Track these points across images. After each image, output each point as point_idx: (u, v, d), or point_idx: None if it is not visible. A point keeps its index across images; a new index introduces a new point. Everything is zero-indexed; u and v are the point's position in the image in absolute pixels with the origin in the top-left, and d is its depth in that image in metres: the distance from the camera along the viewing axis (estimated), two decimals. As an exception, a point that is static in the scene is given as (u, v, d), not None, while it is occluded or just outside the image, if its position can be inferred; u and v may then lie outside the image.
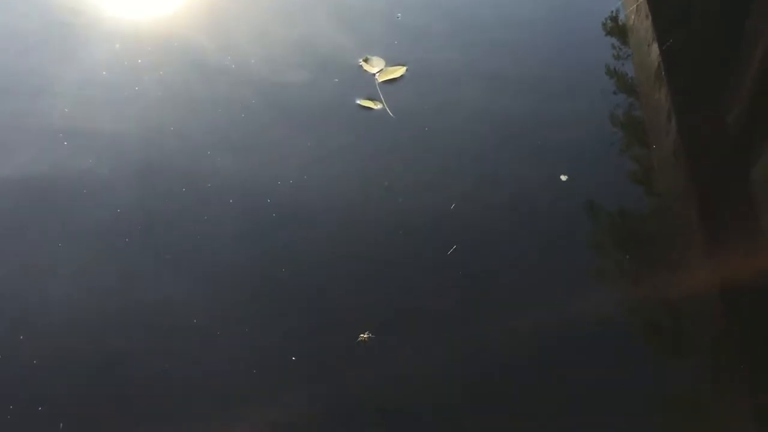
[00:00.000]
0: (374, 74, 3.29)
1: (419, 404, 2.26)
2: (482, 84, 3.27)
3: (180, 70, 3.32)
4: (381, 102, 3.16)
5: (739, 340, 2.40)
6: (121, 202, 2.77)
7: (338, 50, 3.42)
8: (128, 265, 2.59)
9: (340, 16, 3.63)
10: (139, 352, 2.36)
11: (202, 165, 2.91)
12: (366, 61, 3.35)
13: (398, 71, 3.30)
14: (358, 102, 3.16)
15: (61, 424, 2.20)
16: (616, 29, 3.62)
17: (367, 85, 3.24)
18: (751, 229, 2.69)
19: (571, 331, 2.39)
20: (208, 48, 3.43)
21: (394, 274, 2.57)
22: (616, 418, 2.23)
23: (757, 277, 2.52)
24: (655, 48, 3.53)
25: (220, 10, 3.65)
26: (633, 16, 3.71)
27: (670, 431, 2.25)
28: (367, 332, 2.38)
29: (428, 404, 2.26)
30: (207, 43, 3.45)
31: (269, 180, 2.85)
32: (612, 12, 3.67)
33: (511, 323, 2.42)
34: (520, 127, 3.07)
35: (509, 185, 2.86)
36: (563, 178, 2.85)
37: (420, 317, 2.45)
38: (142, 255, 2.61)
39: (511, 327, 2.41)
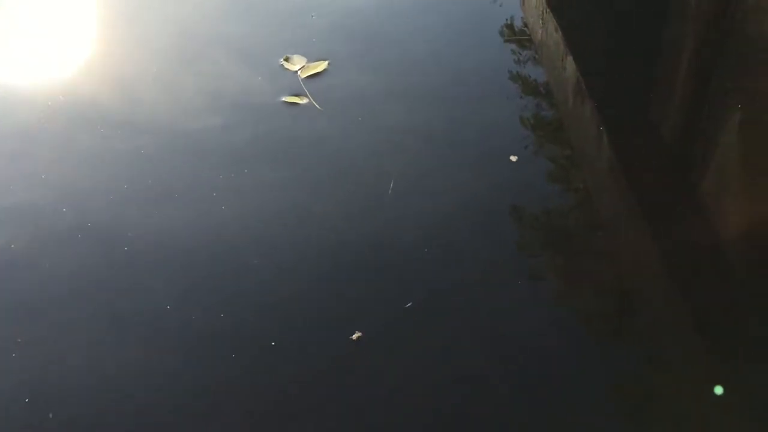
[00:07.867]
0: (296, 71, 3.09)
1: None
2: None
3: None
4: (307, 96, 2.96)
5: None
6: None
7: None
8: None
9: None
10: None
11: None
12: (287, 60, 3.15)
13: (320, 66, 3.13)
14: (284, 99, 2.95)
15: None
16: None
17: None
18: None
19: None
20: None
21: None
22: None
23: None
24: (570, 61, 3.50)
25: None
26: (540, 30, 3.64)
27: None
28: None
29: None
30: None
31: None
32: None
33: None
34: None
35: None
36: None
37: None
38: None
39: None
